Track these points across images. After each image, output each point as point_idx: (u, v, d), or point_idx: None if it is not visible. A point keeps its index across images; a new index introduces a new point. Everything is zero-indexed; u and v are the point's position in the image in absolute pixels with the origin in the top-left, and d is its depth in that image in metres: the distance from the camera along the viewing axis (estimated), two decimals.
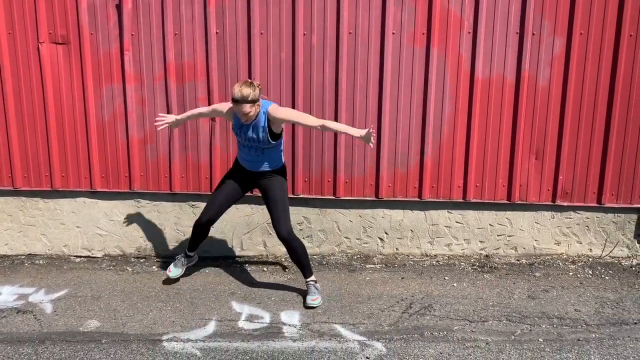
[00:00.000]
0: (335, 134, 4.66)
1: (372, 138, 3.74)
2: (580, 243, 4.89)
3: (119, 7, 4.55)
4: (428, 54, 4.53)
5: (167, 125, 4.15)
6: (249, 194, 4.47)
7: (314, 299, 4.01)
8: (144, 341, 3.57)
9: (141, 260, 4.93)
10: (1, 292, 4.29)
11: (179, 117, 4.20)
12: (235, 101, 3.67)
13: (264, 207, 4.81)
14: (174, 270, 4.34)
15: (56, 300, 4.16)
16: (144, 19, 4.58)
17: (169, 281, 4.43)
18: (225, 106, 4.01)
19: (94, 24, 4.61)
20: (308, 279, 4.12)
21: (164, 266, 4.79)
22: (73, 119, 4.77)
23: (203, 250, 4.98)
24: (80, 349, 3.48)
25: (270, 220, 4.67)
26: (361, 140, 3.82)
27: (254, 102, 3.70)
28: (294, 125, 4.57)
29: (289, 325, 3.76)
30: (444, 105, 4.62)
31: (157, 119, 4.19)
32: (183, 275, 4.55)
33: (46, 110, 4.74)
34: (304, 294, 4.12)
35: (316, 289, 4.09)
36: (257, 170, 4.02)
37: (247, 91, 3.64)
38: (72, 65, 4.68)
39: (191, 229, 4.29)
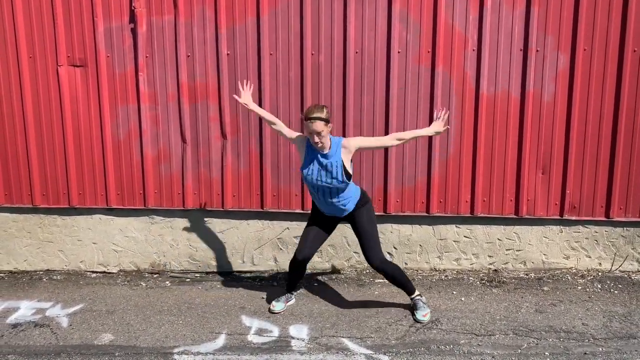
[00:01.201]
0: None
1: (442, 124, 3.93)
2: (590, 257, 4.90)
3: (134, 31, 4.73)
4: (433, 72, 4.63)
5: (240, 98, 4.03)
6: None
7: (424, 315, 4.08)
8: (156, 354, 3.66)
9: (155, 276, 5.04)
10: (20, 307, 4.42)
11: (254, 106, 4.07)
12: (308, 119, 3.67)
13: (275, 222, 4.94)
14: (277, 305, 4.27)
15: (72, 314, 4.28)
16: (157, 41, 4.75)
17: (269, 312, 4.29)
18: (295, 134, 4.01)
19: (110, 46, 4.79)
20: (413, 296, 4.17)
21: (177, 281, 4.90)
22: (90, 138, 4.94)
23: (216, 265, 5.09)
24: None
25: (279, 236, 4.78)
26: (435, 133, 3.99)
27: (326, 121, 3.70)
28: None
29: (298, 339, 3.83)
30: (450, 121, 4.69)
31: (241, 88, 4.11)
32: (194, 290, 4.66)
33: (64, 130, 4.91)
34: (321, 315, 4.18)
35: (424, 303, 4.15)
36: (337, 215, 4.02)
37: (320, 111, 3.69)
38: (89, 87, 4.86)
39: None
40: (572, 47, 4.53)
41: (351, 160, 3.87)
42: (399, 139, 3.91)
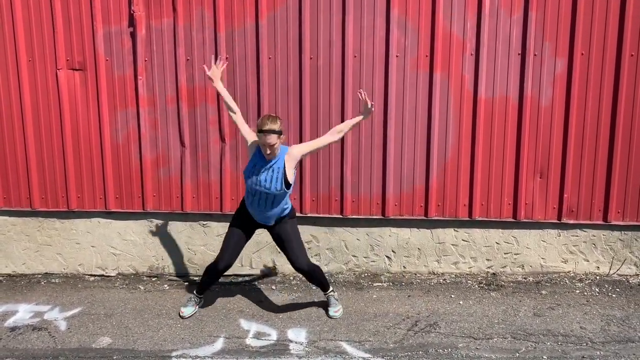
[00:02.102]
0: (342, 153, 4.76)
1: (369, 104, 3.89)
2: (588, 261, 4.91)
3: (133, 34, 4.75)
4: (431, 76, 4.64)
5: (208, 69, 4.00)
6: None
7: (336, 311, 4.21)
8: (154, 357, 3.66)
9: (153, 279, 5.04)
10: (18, 310, 4.42)
11: (219, 84, 4.04)
12: (262, 132, 3.67)
13: None
14: (186, 310, 4.24)
15: (70, 317, 4.28)
16: (157, 45, 4.76)
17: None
18: (251, 137, 3.97)
19: (109, 50, 4.80)
20: (327, 292, 4.28)
21: (175, 285, 4.90)
22: (89, 142, 4.94)
23: None
24: None
25: None
26: (365, 115, 3.96)
27: (280, 133, 3.73)
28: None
29: (296, 343, 3.83)
30: (448, 125, 4.70)
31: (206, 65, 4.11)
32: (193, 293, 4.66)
33: (63, 133, 4.92)
34: (320, 318, 4.19)
35: (336, 300, 4.29)
36: (266, 223, 4.05)
37: (274, 122, 3.69)
38: (88, 90, 4.87)
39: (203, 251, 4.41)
40: (570, 52, 4.55)
41: (294, 169, 3.89)
42: (339, 132, 3.92)
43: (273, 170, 3.81)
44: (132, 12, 4.70)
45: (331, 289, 4.32)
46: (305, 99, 4.73)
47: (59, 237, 5.15)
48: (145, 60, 4.80)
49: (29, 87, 4.88)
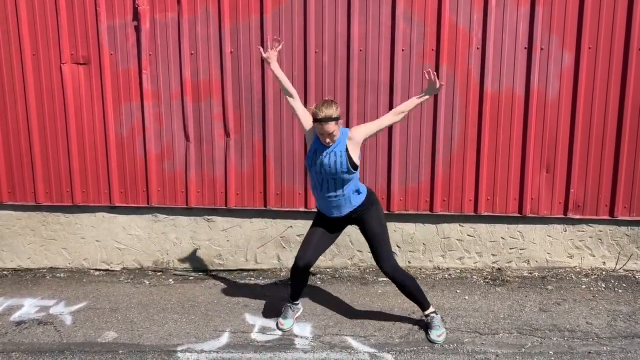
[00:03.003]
0: None
1: (436, 82, 3.58)
2: (594, 256, 4.89)
3: (137, 28, 4.73)
4: (437, 70, 4.61)
5: (264, 52, 3.76)
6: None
7: (439, 335, 3.77)
8: (159, 352, 3.66)
9: (158, 274, 5.04)
10: (23, 304, 4.43)
11: (276, 66, 3.76)
12: (319, 121, 3.43)
13: (278, 220, 4.93)
14: (285, 323, 3.97)
15: (75, 312, 4.29)
16: (161, 38, 4.75)
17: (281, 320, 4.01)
18: (309, 124, 3.67)
19: (113, 44, 4.79)
20: (427, 312, 3.86)
21: (181, 279, 4.90)
22: (93, 136, 4.93)
23: (219, 263, 5.09)
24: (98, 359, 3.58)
25: (282, 234, 4.76)
26: (430, 94, 3.66)
27: (337, 119, 3.47)
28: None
29: (301, 337, 3.83)
30: (454, 119, 4.68)
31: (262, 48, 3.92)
32: (198, 288, 4.66)
33: (67, 128, 4.91)
34: (324, 312, 4.12)
35: (440, 322, 3.85)
36: (343, 215, 3.71)
37: (330, 109, 3.43)
38: (92, 84, 4.86)
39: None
40: (577, 45, 4.51)
41: (359, 151, 3.63)
42: (401, 112, 3.64)
43: (335, 154, 3.52)
44: (136, 5, 4.68)
45: (432, 309, 3.87)
46: (310, 93, 4.71)
47: (64, 232, 5.15)
48: (150, 54, 4.78)
49: (33, 81, 4.87)
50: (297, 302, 4.06)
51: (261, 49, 3.86)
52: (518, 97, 4.62)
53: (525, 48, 4.56)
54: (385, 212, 4.85)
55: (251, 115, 4.79)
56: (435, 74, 3.60)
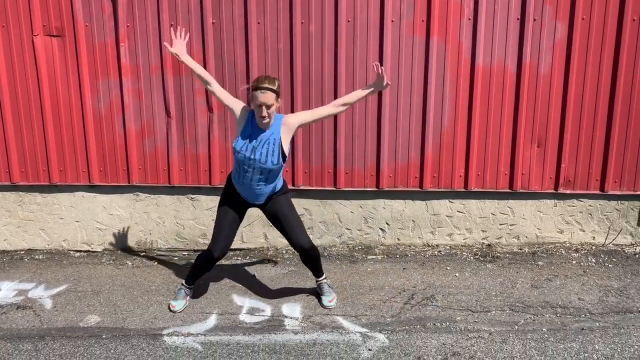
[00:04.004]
0: (335, 124, 4.61)
1: (383, 77, 3.46)
2: (584, 231, 4.85)
3: None
4: (428, 42, 4.47)
5: (170, 47, 3.61)
6: None
7: (330, 300, 3.89)
8: (144, 336, 3.54)
9: (141, 254, 4.89)
10: (0, 288, 4.26)
11: (187, 58, 3.63)
12: (258, 89, 3.29)
13: None
14: (177, 304, 3.87)
15: (56, 295, 4.13)
16: (139, 10, 4.51)
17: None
18: (239, 104, 3.59)
19: (88, 15, 4.54)
20: (320, 279, 3.96)
21: (164, 260, 4.77)
22: (70, 113, 4.72)
23: (204, 243, 4.96)
24: (80, 345, 3.45)
25: None
26: (375, 90, 3.55)
27: (277, 94, 3.37)
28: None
29: (291, 318, 3.73)
30: (445, 93, 4.55)
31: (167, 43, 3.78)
32: (183, 268, 4.53)
33: (42, 104, 4.68)
34: (314, 292, 4.04)
35: (330, 287, 3.99)
36: (258, 202, 3.68)
37: (271, 82, 3.33)
38: (67, 58, 4.62)
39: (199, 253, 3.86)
40: (571, 16, 4.40)
41: (290, 140, 3.55)
42: (343, 104, 3.54)
43: (269, 143, 3.45)
44: None
45: (324, 275, 3.99)
46: (296, 67, 4.53)
47: (42, 212, 4.96)
48: (127, 26, 4.55)
49: (3, 54, 4.62)
50: (192, 287, 3.98)
51: (167, 45, 3.70)
52: (510, 70, 4.51)
53: (518, 19, 4.43)
54: (375, 189, 4.77)
55: (235, 89, 4.61)
56: (383, 69, 3.49)
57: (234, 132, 4.70)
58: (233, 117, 3.65)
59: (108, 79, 4.65)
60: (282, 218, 3.70)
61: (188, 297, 3.96)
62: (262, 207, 3.75)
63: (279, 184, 3.70)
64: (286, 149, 3.52)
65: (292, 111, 4.53)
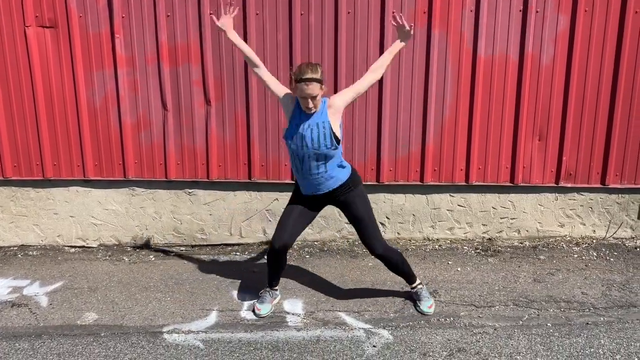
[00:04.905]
0: None
1: (404, 25, 3.34)
2: (584, 224, 4.83)
3: None
4: (429, 34, 4.40)
5: (217, 20, 3.48)
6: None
7: (430, 306, 3.69)
8: (144, 333, 3.47)
9: (138, 250, 4.81)
10: None
11: (233, 34, 3.50)
12: (302, 81, 3.12)
13: (263, 193, 4.73)
14: (263, 308, 3.69)
15: (52, 292, 4.05)
16: (134, 0, 4.40)
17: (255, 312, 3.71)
18: (284, 92, 3.42)
19: (82, 6, 4.43)
20: (415, 286, 3.76)
21: (162, 256, 4.69)
22: (63, 106, 4.61)
23: (202, 238, 4.89)
24: (78, 343, 3.37)
25: (268, 207, 4.59)
26: (405, 41, 3.39)
27: (322, 82, 3.20)
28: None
29: (293, 314, 3.68)
30: (446, 86, 4.50)
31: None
32: (181, 264, 4.46)
33: (35, 96, 4.57)
34: (316, 287, 3.94)
35: (428, 294, 3.77)
36: (325, 192, 3.43)
37: (315, 71, 3.15)
38: (60, 49, 4.51)
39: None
40: (573, 8, 4.35)
41: (340, 121, 3.36)
42: (380, 66, 3.36)
43: (319, 127, 3.25)
44: None
45: (419, 281, 3.76)
46: (295, 59, 4.45)
47: (35, 207, 4.86)
48: (123, 17, 4.45)
49: None
50: (276, 288, 3.82)
51: (213, 17, 3.55)
52: (512, 61, 4.46)
53: (520, 11, 4.37)
54: (375, 183, 4.71)
55: (233, 81, 4.52)
56: (402, 16, 3.36)
57: (232, 125, 4.62)
58: (278, 101, 3.50)
59: (103, 71, 4.54)
60: (356, 221, 3.51)
61: (275, 300, 3.80)
62: (335, 202, 3.52)
63: (344, 173, 3.44)
64: (337, 131, 3.33)
65: None
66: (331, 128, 3.28)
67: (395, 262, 3.60)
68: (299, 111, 3.33)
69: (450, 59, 4.45)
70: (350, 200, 3.47)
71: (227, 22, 3.48)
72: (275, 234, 3.51)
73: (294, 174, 3.54)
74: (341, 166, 3.43)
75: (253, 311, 3.70)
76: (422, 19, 4.39)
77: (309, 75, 3.13)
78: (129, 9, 4.42)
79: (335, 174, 3.40)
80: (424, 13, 4.38)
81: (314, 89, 3.16)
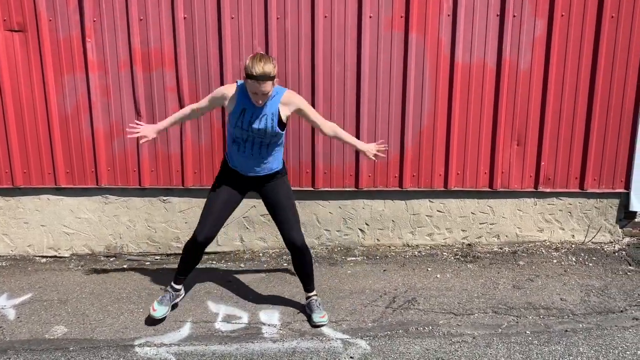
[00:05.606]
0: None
1: (373, 152, 3.59)
2: (563, 229, 4.82)
3: None
4: (407, 39, 4.36)
5: (145, 140, 3.47)
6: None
7: (322, 316, 3.58)
8: (114, 347, 3.36)
9: (111, 259, 4.69)
10: None
11: (159, 125, 3.51)
12: (253, 78, 3.02)
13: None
14: (159, 309, 3.56)
15: (20, 305, 3.91)
16: (106, 3, 4.30)
17: (150, 320, 3.62)
18: (230, 90, 3.31)
19: (52, 9, 4.31)
20: (311, 295, 3.70)
21: (136, 265, 4.57)
22: (33, 112, 4.48)
23: (177, 247, 4.78)
24: (45, 358, 3.25)
25: (245, 214, 4.52)
26: (365, 155, 3.58)
27: (273, 79, 3.10)
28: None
29: (269, 325, 3.59)
30: (424, 91, 4.46)
31: (128, 129, 3.62)
32: (155, 274, 4.35)
33: (3, 102, 4.44)
34: (293, 297, 3.90)
35: (320, 304, 3.68)
36: (257, 174, 3.42)
37: (269, 67, 3.04)
38: (30, 54, 4.38)
39: (185, 244, 3.60)
40: (550, 12, 4.34)
41: (287, 117, 3.34)
42: (335, 133, 3.49)
43: (266, 118, 3.24)
44: None
45: (315, 292, 3.71)
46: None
47: (4, 217, 4.71)
48: (94, 21, 4.34)
49: None
50: (181, 286, 3.71)
51: (140, 139, 3.50)
52: (489, 68, 4.43)
53: (498, 15, 4.35)
54: (354, 189, 4.65)
55: (208, 86, 4.43)
56: (384, 145, 3.64)
57: (207, 131, 4.53)
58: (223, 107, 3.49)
59: (74, 76, 4.43)
60: (278, 206, 3.47)
61: (176, 300, 3.72)
62: (260, 189, 3.50)
63: (278, 162, 3.46)
64: (284, 118, 3.31)
65: None
66: (279, 115, 3.28)
67: (309, 260, 3.59)
68: (244, 98, 3.26)
69: (428, 64, 4.42)
70: (279, 184, 3.49)
71: (151, 131, 3.48)
72: (199, 227, 3.45)
73: (228, 158, 3.49)
74: (280, 156, 3.48)
75: (149, 315, 3.56)
76: (399, 24, 4.35)
77: (260, 71, 3.02)
78: (101, 12, 4.31)
79: (278, 157, 3.46)
80: (401, 17, 4.34)
81: (266, 86, 3.09)
